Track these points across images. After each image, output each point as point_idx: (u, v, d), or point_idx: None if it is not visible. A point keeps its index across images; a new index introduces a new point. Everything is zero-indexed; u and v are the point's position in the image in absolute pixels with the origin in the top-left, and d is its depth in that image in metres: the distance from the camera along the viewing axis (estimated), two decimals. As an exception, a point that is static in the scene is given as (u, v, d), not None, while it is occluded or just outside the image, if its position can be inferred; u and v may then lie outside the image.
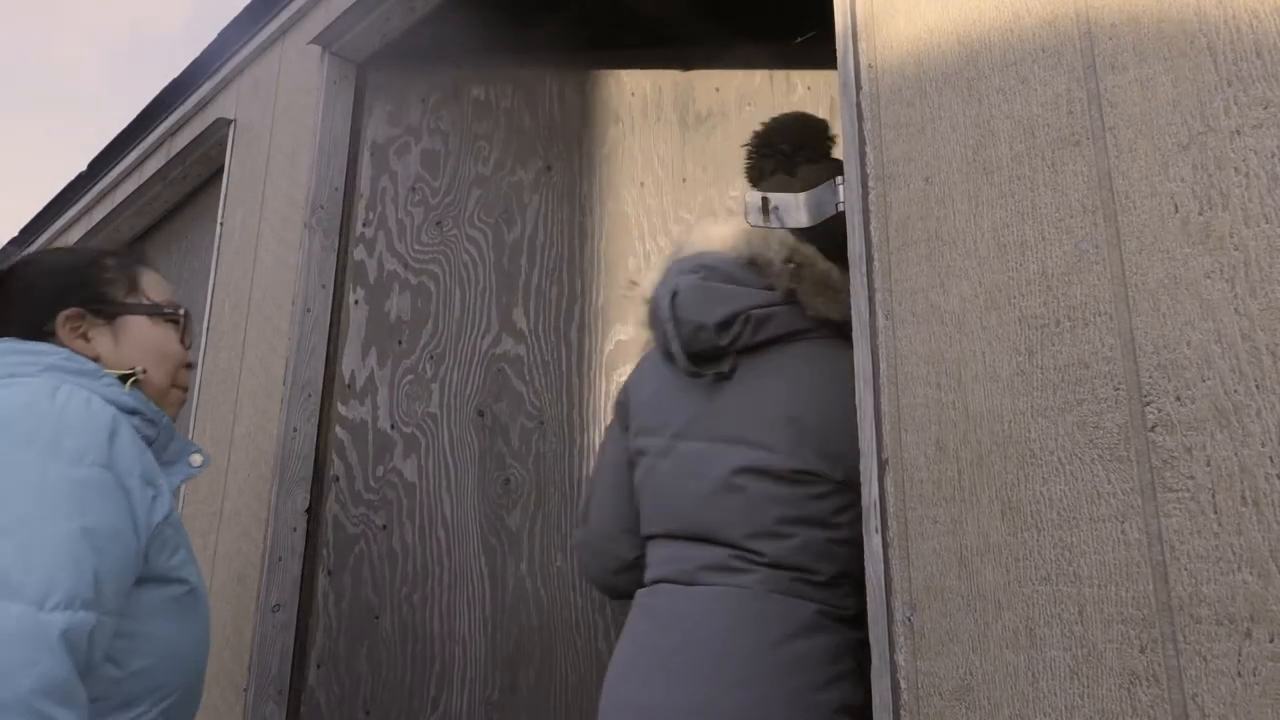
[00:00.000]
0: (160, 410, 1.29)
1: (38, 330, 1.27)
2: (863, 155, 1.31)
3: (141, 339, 1.34)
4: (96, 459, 1.10)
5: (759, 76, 2.51)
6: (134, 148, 3.30)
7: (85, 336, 1.30)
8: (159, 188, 3.18)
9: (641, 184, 2.48)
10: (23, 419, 1.08)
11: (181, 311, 1.42)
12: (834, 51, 1.39)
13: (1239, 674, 0.89)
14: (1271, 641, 0.88)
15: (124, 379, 1.27)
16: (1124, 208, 1.05)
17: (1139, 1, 1.09)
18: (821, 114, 2.48)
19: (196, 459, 1.33)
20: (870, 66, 1.33)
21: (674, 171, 2.49)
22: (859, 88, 1.33)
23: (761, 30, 2.85)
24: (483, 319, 2.38)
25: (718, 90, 2.53)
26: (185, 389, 1.41)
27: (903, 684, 1.11)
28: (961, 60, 1.23)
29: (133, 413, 1.23)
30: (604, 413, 2.33)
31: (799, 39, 2.84)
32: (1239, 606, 0.90)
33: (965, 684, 1.06)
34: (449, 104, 2.49)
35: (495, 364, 2.35)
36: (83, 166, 3.55)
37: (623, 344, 2.39)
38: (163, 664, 1.17)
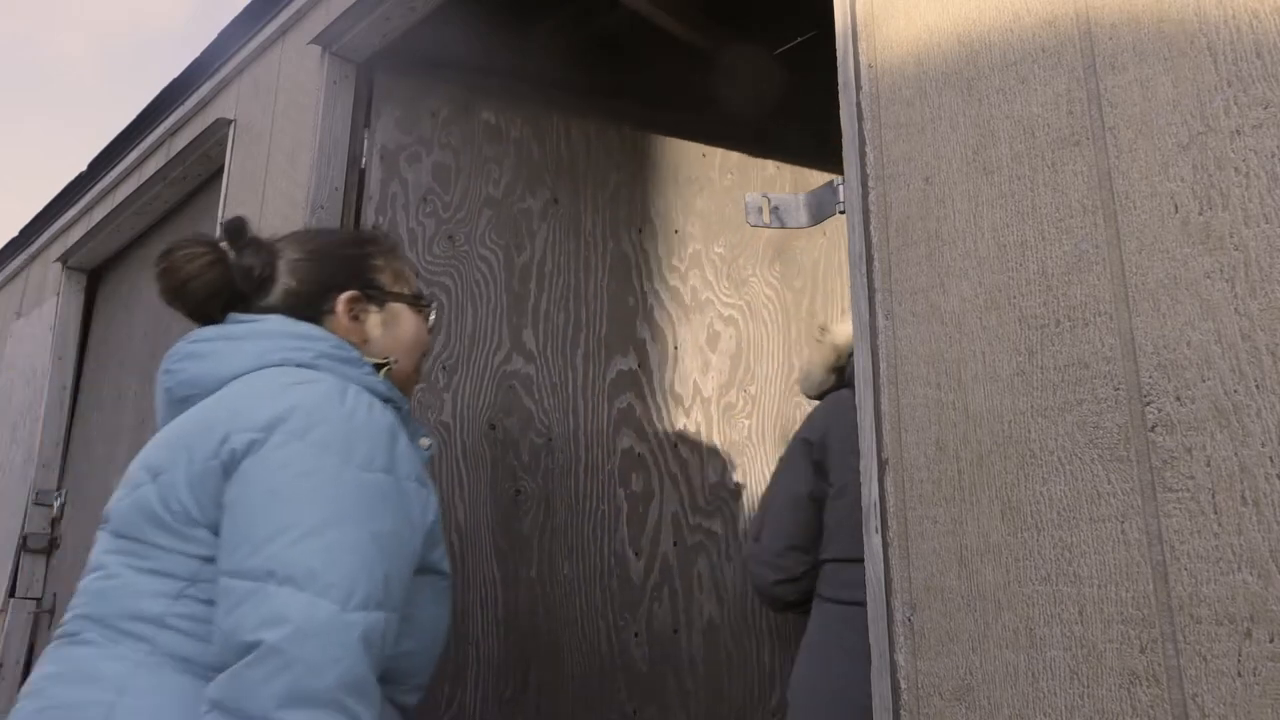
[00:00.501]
0: (405, 397, 1.34)
1: (314, 309, 1.31)
2: (863, 155, 1.31)
3: (405, 326, 1.38)
4: (381, 464, 1.14)
5: (736, 156, 2.83)
6: (134, 148, 3.30)
7: (358, 319, 1.34)
8: (159, 188, 3.18)
9: (639, 229, 2.66)
10: (320, 425, 1.12)
11: (433, 303, 1.48)
12: (832, 53, 1.39)
13: (1239, 674, 0.89)
14: (1271, 641, 0.88)
15: (378, 367, 1.31)
16: (1124, 208, 1.05)
17: (1139, 1, 1.09)
18: (786, 191, 2.85)
19: (425, 441, 1.37)
20: (870, 66, 1.33)
21: (667, 222, 2.70)
22: (859, 88, 1.33)
23: (760, 31, 2.85)
24: (494, 336, 2.45)
25: (704, 156, 2.79)
26: (421, 375, 1.47)
27: (903, 684, 1.11)
28: (961, 60, 1.23)
29: (385, 400, 1.27)
30: (607, 435, 2.44)
31: (798, 39, 2.84)
32: (1239, 606, 0.90)
33: (965, 684, 1.06)
34: (459, 121, 2.55)
35: (506, 380, 2.43)
36: (82, 166, 3.55)
37: (623, 374, 2.51)
38: (424, 646, 1.25)
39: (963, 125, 1.21)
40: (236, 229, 1.32)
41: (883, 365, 1.22)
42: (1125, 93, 1.08)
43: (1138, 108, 1.06)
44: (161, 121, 3.16)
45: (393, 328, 1.37)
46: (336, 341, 1.27)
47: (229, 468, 1.09)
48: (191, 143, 2.97)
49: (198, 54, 2.98)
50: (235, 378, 1.19)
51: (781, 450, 2.70)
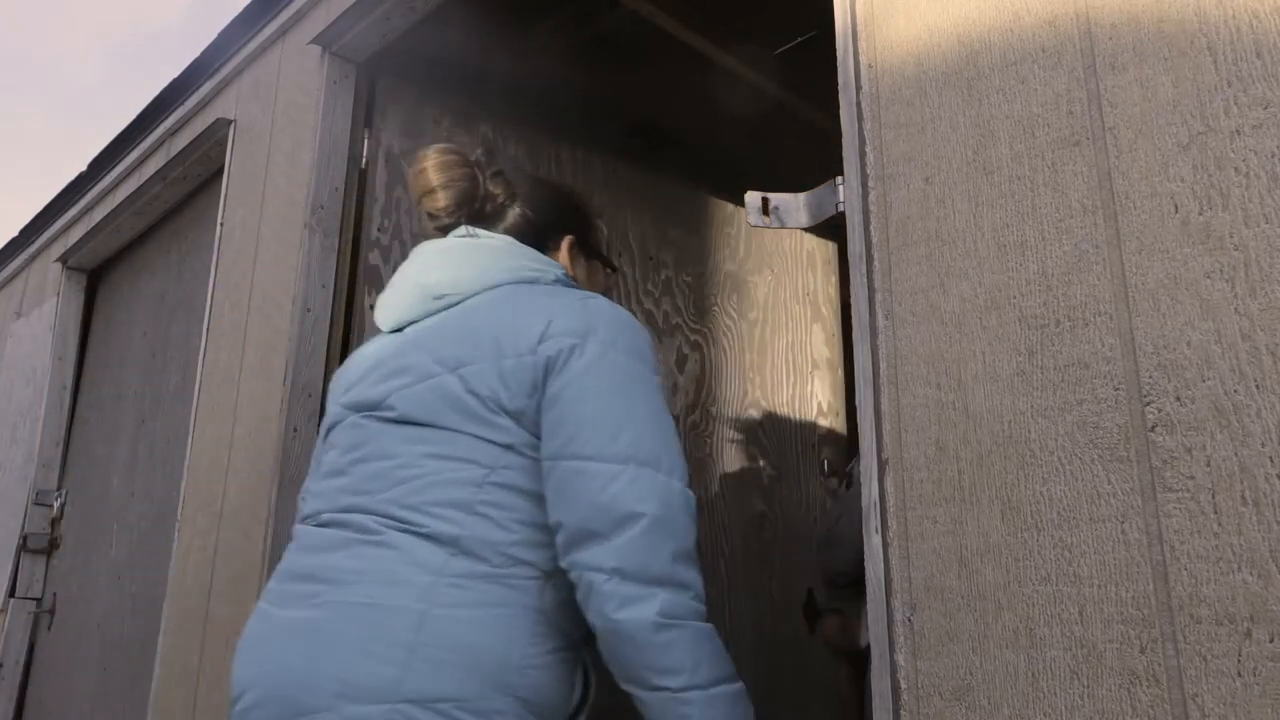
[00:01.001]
0: None
1: (539, 242, 1.45)
2: (863, 155, 1.31)
3: (596, 281, 1.56)
4: (659, 370, 1.32)
5: (702, 190, 3.11)
6: (134, 148, 3.30)
7: (571, 263, 1.49)
8: (159, 188, 3.18)
9: (619, 254, 2.81)
10: (621, 336, 1.28)
11: (617, 271, 1.65)
12: (831, 54, 1.39)
13: (1239, 674, 0.89)
14: (1271, 641, 0.88)
15: None
16: (1124, 208, 1.05)
17: (1139, 1, 1.09)
18: (742, 240, 3.18)
19: None
20: (870, 66, 1.33)
21: (643, 250, 2.87)
22: (859, 88, 1.33)
23: (759, 32, 2.86)
24: None
25: (674, 188, 3.03)
26: None
27: (903, 684, 1.11)
28: (961, 60, 1.23)
29: None
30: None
31: (798, 39, 2.84)
32: (1239, 606, 0.90)
33: (965, 684, 1.06)
34: (460, 131, 2.60)
35: None
36: (83, 166, 3.55)
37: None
38: None
39: (963, 125, 1.21)
40: (492, 156, 1.50)
41: (883, 365, 1.22)
42: (1125, 93, 1.08)
43: (1138, 108, 1.06)
44: (161, 121, 3.16)
45: (592, 278, 1.54)
46: (564, 272, 1.43)
47: (551, 365, 1.23)
48: (191, 143, 2.97)
49: (198, 54, 2.98)
50: (493, 287, 1.35)
51: (737, 464, 2.86)
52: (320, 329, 2.28)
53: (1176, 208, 1.01)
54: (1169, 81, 1.05)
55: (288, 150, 2.50)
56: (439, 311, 1.35)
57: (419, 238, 2.42)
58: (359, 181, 2.41)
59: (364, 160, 2.43)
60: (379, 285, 2.36)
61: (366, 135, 2.44)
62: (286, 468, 2.16)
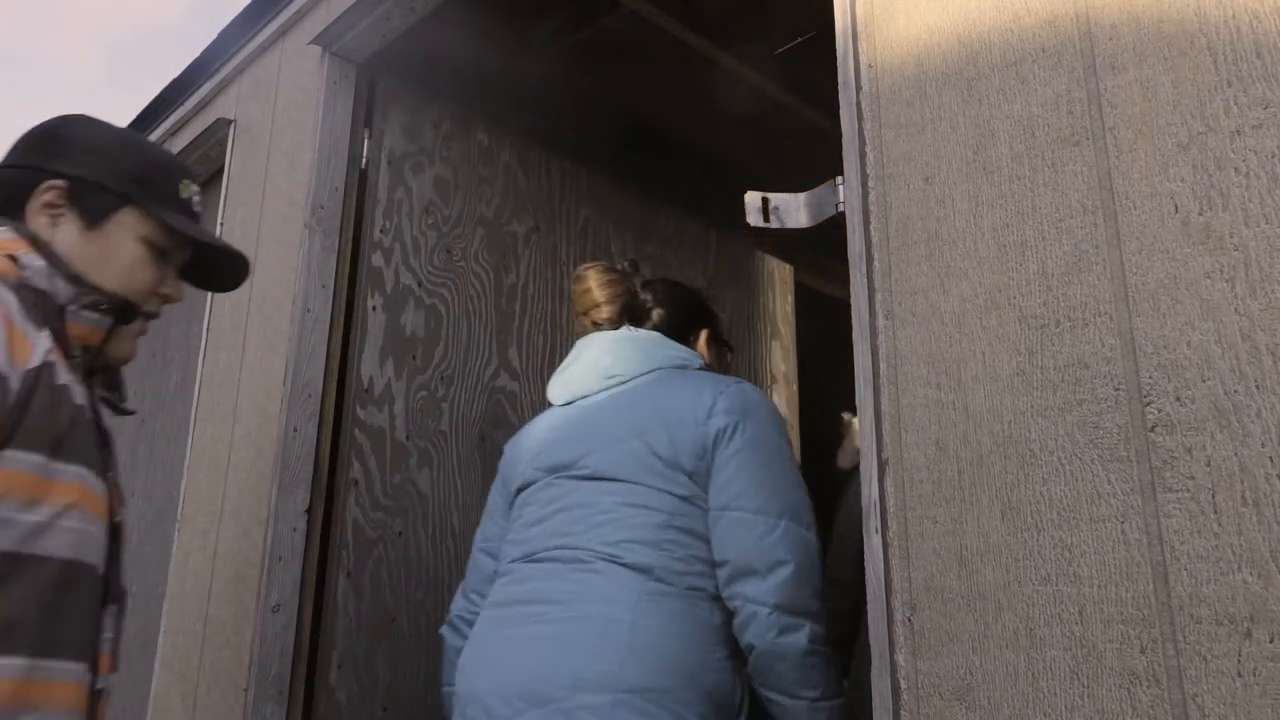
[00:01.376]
0: None
1: (680, 334, 1.77)
2: (863, 155, 1.31)
3: (724, 362, 1.88)
4: (789, 438, 1.61)
5: (676, 209, 3.24)
6: (134, 148, 3.29)
7: (707, 351, 1.81)
8: (159, 188, 3.18)
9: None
10: (769, 415, 1.59)
11: (734, 352, 2.06)
12: (831, 54, 1.39)
13: (1239, 674, 0.89)
14: (1271, 641, 0.88)
15: None
16: (1124, 208, 1.05)
17: (1139, 1, 1.09)
18: (713, 258, 3.34)
19: None
20: (870, 66, 1.33)
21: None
22: (859, 88, 1.33)
23: (759, 32, 2.85)
24: (485, 350, 2.57)
25: (649, 206, 3.16)
26: None
27: (903, 684, 1.11)
28: (961, 60, 1.23)
29: None
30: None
31: (798, 38, 2.84)
32: (1239, 606, 0.90)
33: (965, 684, 1.06)
34: (458, 137, 2.64)
35: (495, 395, 2.58)
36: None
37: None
38: None
39: (963, 125, 1.21)
40: (636, 268, 1.84)
41: (883, 365, 1.22)
42: (1125, 93, 1.08)
43: (1138, 108, 1.06)
44: (161, 122, 3.16)
45: (720, 360, 1.86)
46: (703, 360, 1.74)
47: (720, 437, 1.52)
48: (191, 143, 2.97)
49: (198, 54, 2.98)
50: (653, 370, 1.66)
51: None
52: (320, 329, 2.28)
53: (1176, 208, 1.01)
54: (1169, 81, 1.05)
55: (288, 150, 2.50)
56: (608, 389, 1.66)
57: (417, 243, 2.46)
58: (359, 182, 2.42)
59: (364, 160, 2.43)
60: (380, 286, 2.38)
61: (367, 135, 2.45)
62: (286, 468, 2.16)
